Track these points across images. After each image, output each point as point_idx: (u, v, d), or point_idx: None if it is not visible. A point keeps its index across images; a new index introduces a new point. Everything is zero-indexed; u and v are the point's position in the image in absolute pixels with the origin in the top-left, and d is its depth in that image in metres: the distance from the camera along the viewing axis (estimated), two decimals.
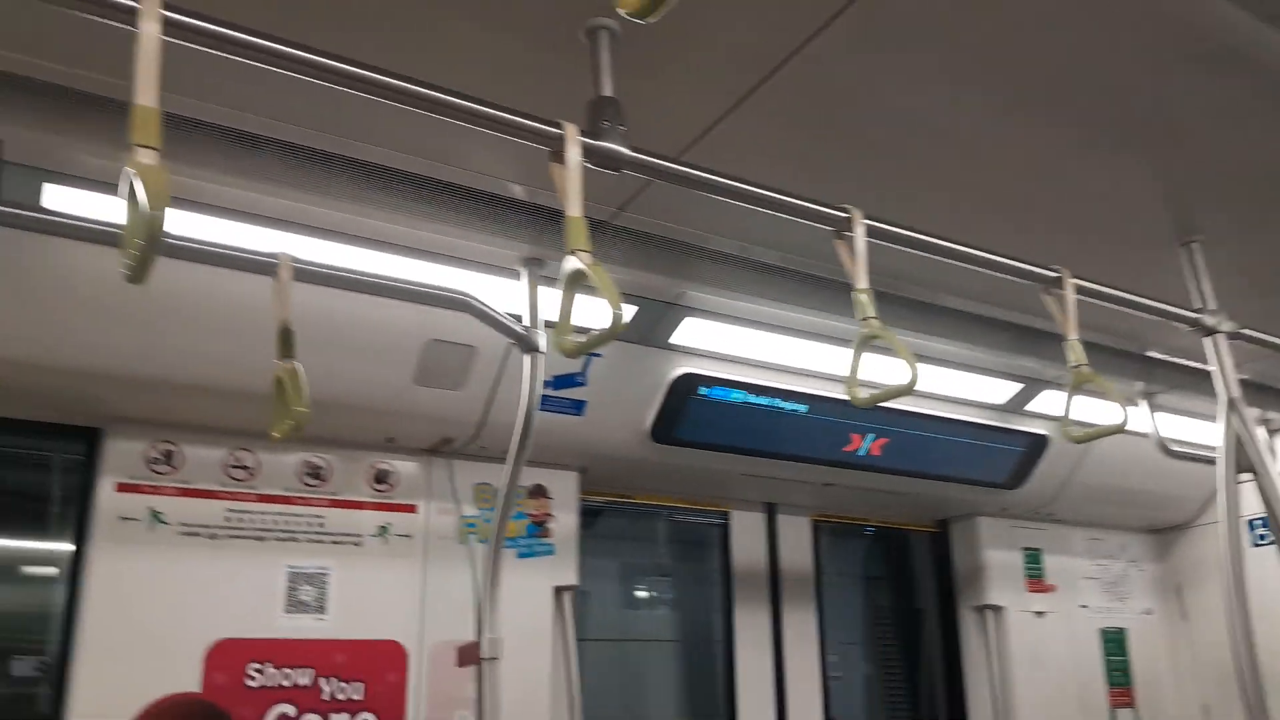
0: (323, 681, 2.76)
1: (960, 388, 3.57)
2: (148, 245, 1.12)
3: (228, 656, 2.66)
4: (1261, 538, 4.14)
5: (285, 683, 2.71)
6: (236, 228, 2.29)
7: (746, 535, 4.02)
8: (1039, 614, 4.34)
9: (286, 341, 1.90)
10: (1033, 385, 3.64)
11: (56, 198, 2.13)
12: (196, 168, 2.05)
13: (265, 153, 1.98)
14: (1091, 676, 4.42)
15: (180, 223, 2.20)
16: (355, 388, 2.71)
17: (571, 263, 1.44)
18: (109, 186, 2.08)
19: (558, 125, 1.52)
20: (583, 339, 1.48)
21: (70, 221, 1.99)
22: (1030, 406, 3.76)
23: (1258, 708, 2.22)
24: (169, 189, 1.14)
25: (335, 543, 2.89)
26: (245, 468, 2.82)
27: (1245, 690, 2.24)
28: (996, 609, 4.27)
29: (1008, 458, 3.87)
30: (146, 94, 1.17)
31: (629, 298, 2.84)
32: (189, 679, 2.60)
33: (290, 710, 2.70)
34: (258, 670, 2.69)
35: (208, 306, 2.42)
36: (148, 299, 2.35)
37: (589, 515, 3.66)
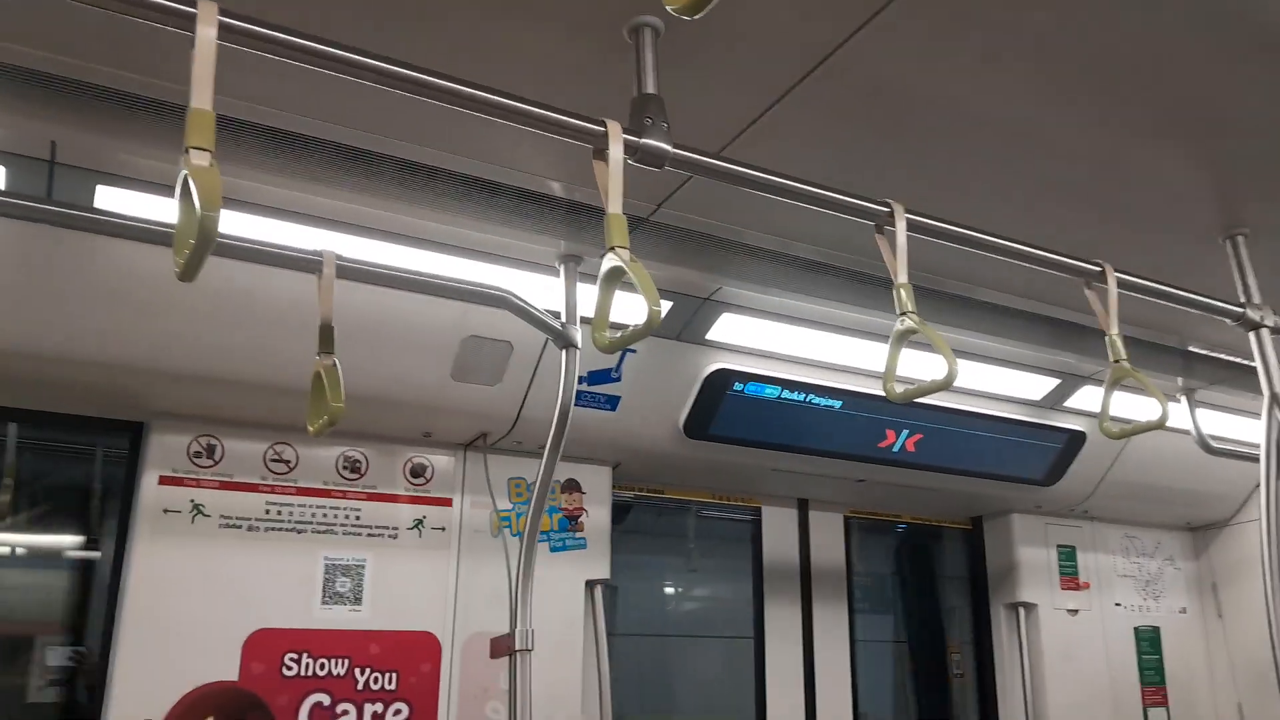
0: (357, 671, 2.79)
1: (997, 383, 3.55)
2: (200, 245, 1.13)
3: (265, 646, 2.70)
4: None
5: (321, 672, 2.75)
6: (278, 226, 2.32)
7: (778, 531, 4.02)
8: (1072, 612, 4.31)
9: (327, 338, 1.91)
10: (1070, 381, 3.61)
11: (109, 199, 2.18)
12: (241, 167, 2.07)
13: (308, 152, 2.00)
14: (1124, 675, 4.38)
15: (226, 221, 2.22)
16: (393, 383, 2.73)
17: (610, 259, 1.44)
18: (160, 188, 2.13)
19: (601, 123, 1.52)
20: (619, 335, 1.48)
21: (122, 221, 2.02)
22: (1068, 403, 3.73)
23: None
24: (221, 190, 1.15)
25: (371, 535, 2.92)
26: (285, 461, 2.85)
27: None
28: (1029, 606, 4.24)
29: (1044, 454, 3.83)
30: (202, 97, 1.19)
31: (665, 293, 2.84)
32: (227, 668, 2.64)
33: (325, 699, 2.74)
34: (294, 660, 2.73)
35: (250, 303, 2.46)
36: (192, 296, 2.38)
37: (621, 510, 3.68)
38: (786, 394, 3.24)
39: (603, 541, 3.31)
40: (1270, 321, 2.45)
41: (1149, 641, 4.51)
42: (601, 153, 1.52)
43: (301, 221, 2.32)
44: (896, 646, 4.58)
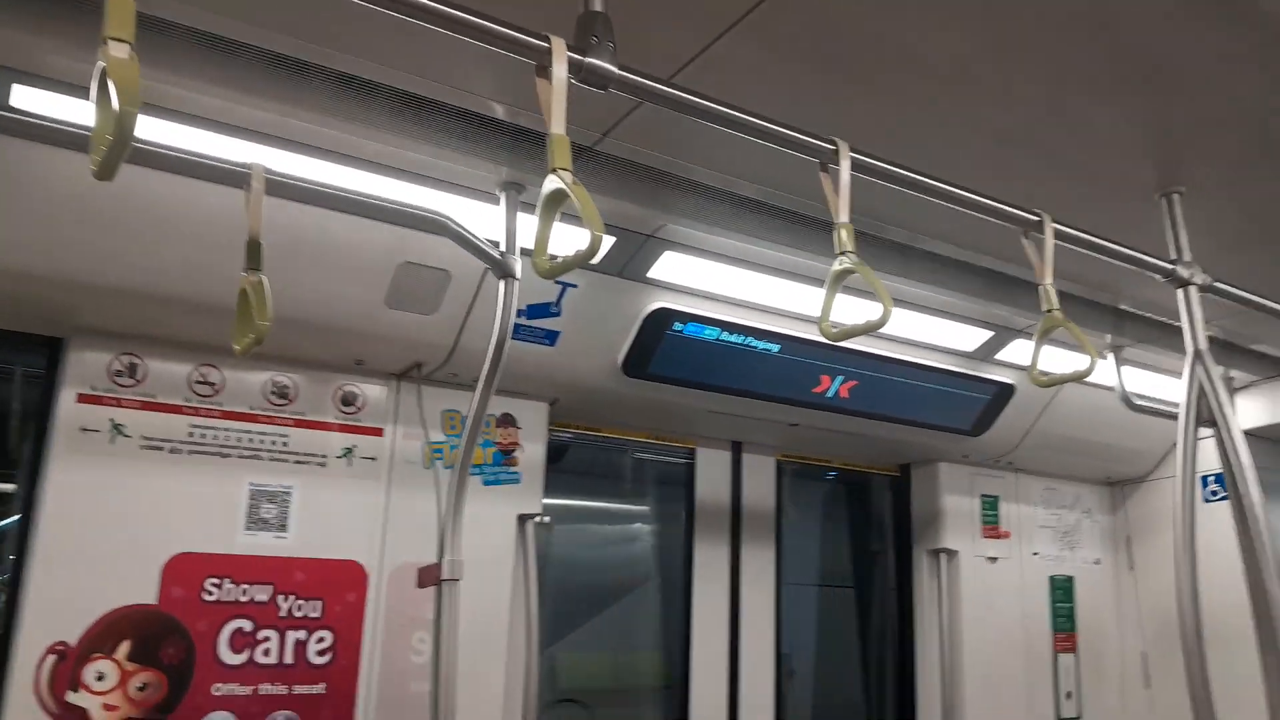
0: (280, 598, 2.76)
1: (932, 333, 3.59)
2: (117, 143, 1.07)
3: (186, 570, 2.65)
4: (1214, 494, 4.25)
5: (243, 598, 2.71)
6: (209, 137, 2.22)
7: (712, 472, 4.05)
8: (992, 559, 4.44)
9: (254, 254, 1.84)
10: (1003, 334, 3.67)
11: (25, 99, 2.05)
12: (170, 73, 1.97)
13: (241, 60, 1.90)
14: (1037, 621, 4.54)
15: (151, 129, 2.13)
16: (325, 308, 2.67)
17: (552, 181, 1.40)
18: (80, 90, 2.01)
19: (545, 38, 1.47)
20: (559, 260, 1.45)
21: (39, 123, 1.91)
22: (1000, 355, 3.80)
23: (1197, 657, 2.28)
24: (140, 85, 1.09)
25: (299, 462, 2.87)
26: (210, 384, 2.78)
27: (1187, 641, 2.30)
28: (950, 553, 4.36)
29: (973, 405, 3.91)
30: None
31: (608, 228, 2.80)
32: (145, 592, 2.59)
33: (247, 625, 2.71)
34: (215, 585, 2.68)
35: (178, 217, 2.36)
36: (116, 206, 2.29)
37: (559, 449, 3.67)
38: (726, 336, 3.24)
39: (537, 477, 3.30)
40: (1199, 279, 2.50)
41: (1063, 590, 4.67)
42: (545, 70, 1.47)
43: (232, 134, 2.22)
44: (822, 590, 4.69)
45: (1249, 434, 4.25)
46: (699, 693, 3.79)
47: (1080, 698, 4.59)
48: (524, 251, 2.51)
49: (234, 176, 1.92)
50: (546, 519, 3.29)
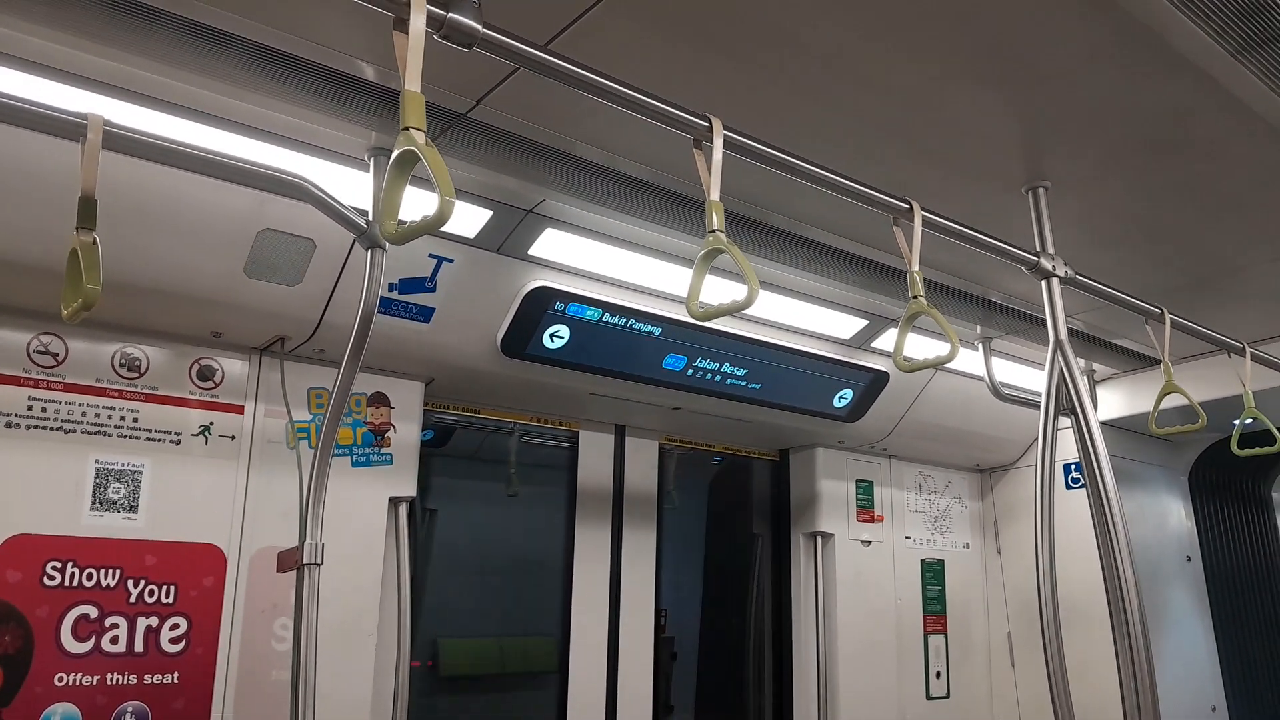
0: (130, 583, 2.61)
1: (810, 320, 3.62)
2: None
3: (23, 553, 2.47)
4: (1075, 480, 4.44)
5: (88, 583, 2.55)
6: (47, 85, 2.04)
7: (594, 455, 4.02)
8: (866, 542, 4.54)
9: (87, 212, 1.70)
10: (878, 322, 3.73)
11: None
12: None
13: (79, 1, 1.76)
14: (909, 603, 4.66)
15: None
16: (178, 275, 2.51)
17: (402, 141, 1.33)
18: None
19: None
20: (407, 225, 1.37)
21: None
22: (875, 344, 3.86)
23: (1055, 637, 2.36)
24: None
25: (151, 440, 2.70)
26: (52, 354, 2.59)
27: (1045, 621, 2.37)
28: (826, 535, 4.43)
29: (849, 391, 3.96)
30: None
31: (486, 201, 2.72)
32: None
33: (92, 611, 2.54)
34: (57, 569, 2.51)
35: (16, 171, 2.17)
36: None
37: (444, 432, 3.56)
38: (608, 317, 3.20)
39: (410, 459, 3.20)
40: (1061, 272, 2.58)
41: (933, 573, 4.80)
42: (403, 23, 1.39)
43: (73, 82, 2.05)
44: (704, 572, 4.71)
45: (1108, 424, 4.49)
46: (578, 676, 3.76)
47: (949, 678, 4.74)
48: None
49: (68, 127, 1.76)
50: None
